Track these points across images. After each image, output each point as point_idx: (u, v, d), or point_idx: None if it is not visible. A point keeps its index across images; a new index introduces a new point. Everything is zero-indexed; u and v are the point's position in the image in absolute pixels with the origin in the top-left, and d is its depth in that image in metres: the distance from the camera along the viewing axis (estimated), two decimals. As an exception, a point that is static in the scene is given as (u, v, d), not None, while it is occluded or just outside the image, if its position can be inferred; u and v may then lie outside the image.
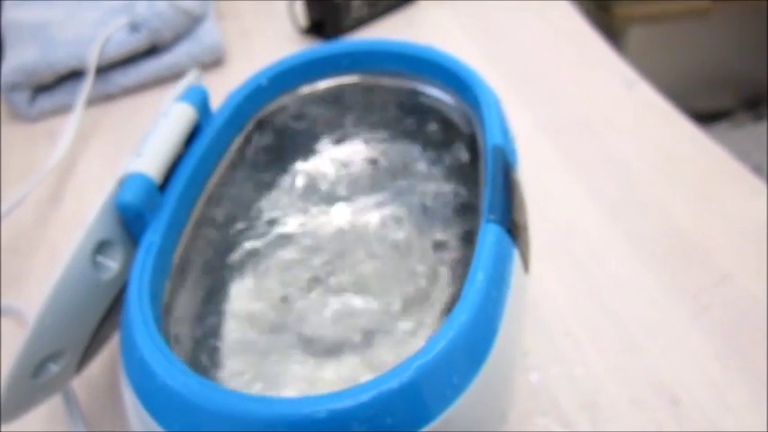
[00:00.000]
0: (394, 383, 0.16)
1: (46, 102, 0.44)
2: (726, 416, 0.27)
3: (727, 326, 0.30)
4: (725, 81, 1.09)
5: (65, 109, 0.44)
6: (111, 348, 0.27)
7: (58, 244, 0.37)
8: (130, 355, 0.18)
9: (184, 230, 0.22)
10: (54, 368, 0.21)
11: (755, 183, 0.35)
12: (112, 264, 0.21)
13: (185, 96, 0.24)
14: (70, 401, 0.25)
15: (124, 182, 0.21)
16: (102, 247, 0.21)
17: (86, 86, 0.42)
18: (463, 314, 0.18)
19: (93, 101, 0.44)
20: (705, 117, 1.07)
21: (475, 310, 0.18)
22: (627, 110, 0.41)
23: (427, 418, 0.16)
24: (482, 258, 0.19)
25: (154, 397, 0.17)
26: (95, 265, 0.21)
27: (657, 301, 0.31)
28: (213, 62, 0.46)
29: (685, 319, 0.30)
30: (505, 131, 0.24)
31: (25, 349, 0.19)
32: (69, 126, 0.40)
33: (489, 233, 0.20)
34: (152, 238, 0.21)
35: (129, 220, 0.21)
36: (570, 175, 0.37)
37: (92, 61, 0.42)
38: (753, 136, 1.02)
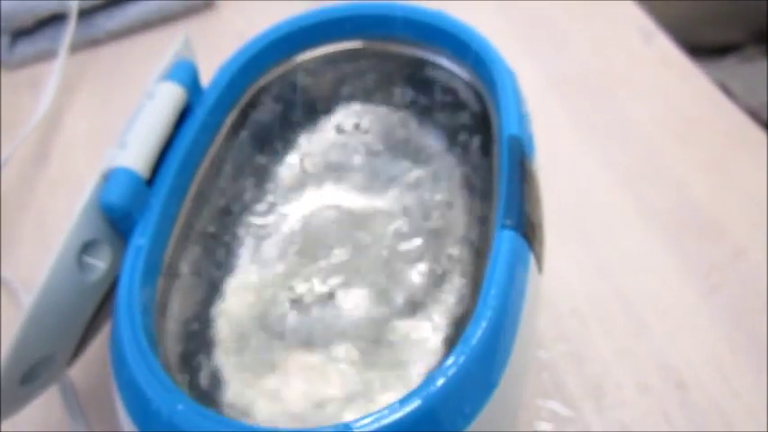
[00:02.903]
0: (408, 410, 0.16)
1: (27, 47, 0.41)
2: (731, 401, 0.26)
3: (737, 307, 0.29)
4: (735, 13, 1.05)
5: (47, 55, 0.41)
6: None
7: (46, 207, 0.35)
8: (122, 373, 0.17)
9: (176, 225, 0.21)
10: (43, 372, 0.20)
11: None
12: (100, 263, 0.20)
13: (173, 75, 0.22)
14: (66, 391, 0.24)
15: (109, 178, 0.19)
16: (87, 247, 0.20)
17: (69, 31, 0.39)
18: (476, 334, 0.17)
19: (76, 47, 0.41)
20: (714, 51, 1.03)
21: (489, 330, 0.17)
22: (644, 66, 0.38)
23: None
24: (497, 271, 0.18)
25: (146, 418, 0.16)
26: (82, 266, 0.19)
27: (668, 279, 0.30)
28: (204, 5, 0.43)
29: (695, 300, 0.29)
30: (522, 116, 0.22)
31: (11, 358, 0.18)
32: (53, 75, 0.38)
33: (505, 241, 0.18)
34: (140, 240, 0.19)
35: (116, 219, 0.19)
36: (582, 139, 0.36)
37: (73, 4, 0.39)
38: (763, 71, 0.99)
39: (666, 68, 0.38)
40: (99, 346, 0.27)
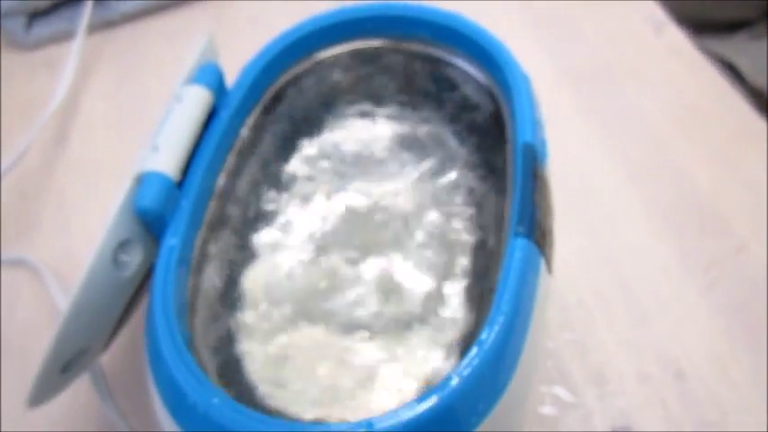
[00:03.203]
0: (425, 408, 0.17)
1: (43, 28, 0.42)
2: (728, 392, 0.28)
3: (737, 300, 0.30)
4: (746, -11, 1.04)
5: (63, 37, 0.42)
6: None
7: (66, 189, 0.36)
8: (159, 369, 0.18)
9: (204, 223, 0.22)
10: (80, 362, 0.21)
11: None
12: (133, 260, 0.21)
13: (200, 78, 0.22)
14: (96, 375, 0.25)
15: (142, 182, 0.20)
16: (122, 246, 0.21)
17: (86, 12, 0.40)
18: (490, 338, 0.18)
19: (92, 28, 0.41)
20: (723, 27, 1.03)
21: (502, 334, 0.18)
22: (653, 57, 0.39)
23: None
24: (510, 278, 0.19)
25: (182, 412, 0.18)
26: (116, 264, 0.20)
27: (670, 272, 0.31)
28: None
29: (697, 292, 0.30)
30: (535, 122, 0.23)
31: (53, 351, 0.19)
32: (71, 56, 0.39)
33: (518, 249, 0.19)
34: (172, 240, 0.20)
35: (149, 221, 0.20)
36: (590, 130, 0.36)
37: (89, -14, 0.40)
38: (772, 49, 0.98)
39: (675, 60, 0.38)
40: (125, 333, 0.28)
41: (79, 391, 0.27)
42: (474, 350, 0.18)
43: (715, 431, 0.26)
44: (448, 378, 0.17)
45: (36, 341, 0.30)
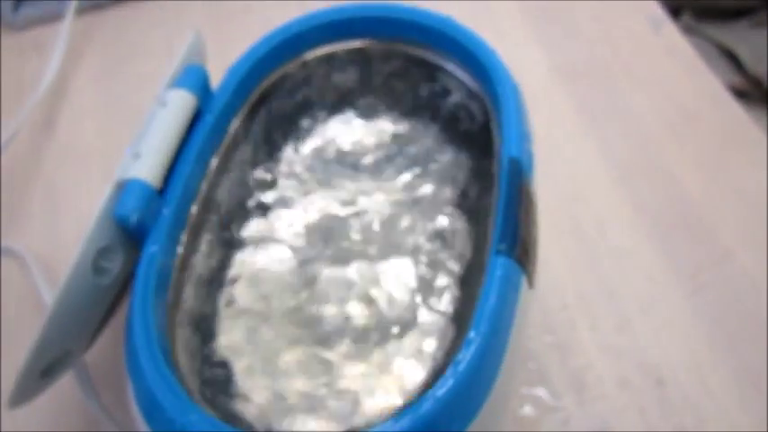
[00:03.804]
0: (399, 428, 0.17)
1: (31, 9, 0.41)
2: (705, 399, 0.28)
3: (719, 308, 0.30)
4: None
5: (52, 18, 0.41)
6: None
7: (54, 178, 0.36)
8: (138, 383, 0.18)
9: (186, 228, 0.22)
10: (61, 365, 0.21)
11: (770, 153, 0.34)
12: (114, 267, 0.21)
13: (184, 82, 0.22)
14: (80, 371, 0.25)
15: (123, 190, 0.20)
16: (102, 252, 0.21)
17: (73, -6, 0.39)
18: (465, 358, 0.18)
19: (81, 11, 0.41)
20: (726, 14, 1.01)
21: (477, 355, 0.18)
22: (649, 55, 0.38)
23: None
24: (489, 297, 0.19)
25: (159, 423, 0.18)
26: (97, 270, 0.20)
27: (656, 278, 0.31)
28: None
29: (680, 299, 0.30)
30: (522, 135, 0.22)
31: (33, 356, 0.19)
32: (59, 38, 0.38)
33: (498, 267, 0.19)
34: (153, 248, 0.20)
35: (130, 229, 0.20)
36: (583, 129, 0.36)
37: (78, -33, 0.39)
38: (775, 37, 0.97)
39: (672, 60, 0.38)
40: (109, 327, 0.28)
41: (63, 386, 0.27)
42: (449, 371, 0.18)
43: (691, 439, 0.27)
44: (422, 399, 0.17)
45: (19, 331, 0.30)
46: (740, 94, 0.94)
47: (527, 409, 0.28)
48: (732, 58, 0.98)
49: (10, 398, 0.20)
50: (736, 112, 0.36)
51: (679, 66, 0.38)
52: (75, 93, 0.39)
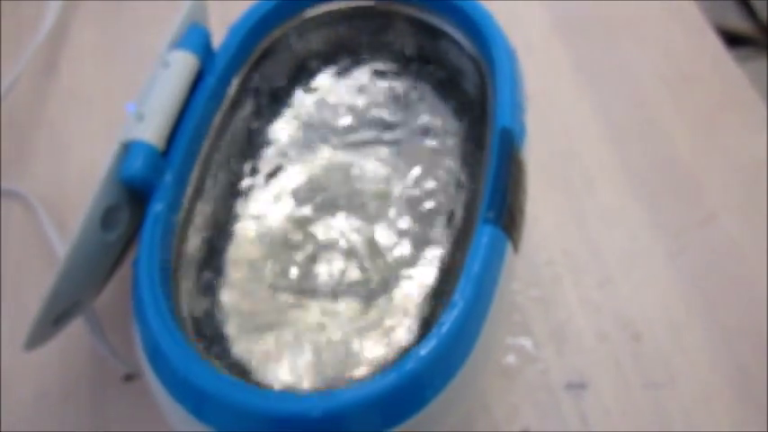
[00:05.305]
0: (384, 383, 0.19)
1: (30, -55, 0.40)
2: (678, 356, 0.30)
3: (700, 269, 0.31)
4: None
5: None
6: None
7: (57, 121, 0.36)
8: (145, 335, 0.20)
9: (188, 188, 0.23)
10: (72, 313, 0.23)
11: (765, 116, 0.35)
12: (121, 224, 0.22)
13: (186, 42, 0.22)
14: (89, 317, 0.27)
15: (129, 151, 0.21)
16: (109, 210, 0.22)
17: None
18: (449, 320, 0.19)
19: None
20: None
21: (460, 318, 0.19)
22: (653, 12, 0.38)
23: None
24: (474, 265, 0.20)
25: (168, 378, 0.19)
26: (105, 227, 0.21)
27: (640, 236, 0.32)
28: None
29: (662, 258, 0.32)
30: (516, 104, 0.23)
31: (45, 307, 0.21)
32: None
33: (485, 235, 0.20)
34: (158, 206, 0.21)
35: (135, 189, 0.21)
36: (579, 86, 0.36)
37: None
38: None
39: (675, 19, 0.38)
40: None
41: (73, 329, 0.29)
42: (433, 331, 0.19)
43: (661, 392, 0.29)
44: (407, 357, 0.19)
45: (24, 272, 0.32)
46: (749, 41, 0.93)
47: (510, 358, 0.30)
48: (745, 3, 0.97)
49: (25, 342, 0.22)
50: (736, 76, 0.36)
51: (683, 26, 0.38)
52: (75, 35, 0.39)
